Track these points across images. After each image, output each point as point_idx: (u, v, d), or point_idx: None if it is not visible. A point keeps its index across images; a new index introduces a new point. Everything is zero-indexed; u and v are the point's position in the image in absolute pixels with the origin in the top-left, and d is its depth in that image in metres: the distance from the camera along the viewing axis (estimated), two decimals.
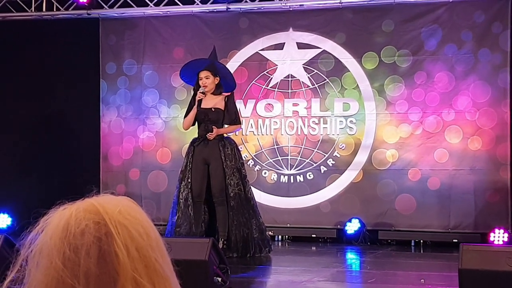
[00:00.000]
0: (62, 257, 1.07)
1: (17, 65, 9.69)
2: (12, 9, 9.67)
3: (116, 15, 9.48)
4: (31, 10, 9.60)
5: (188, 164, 7.31)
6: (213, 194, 7.22)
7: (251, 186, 7.57)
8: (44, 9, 9.59)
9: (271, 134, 9.00)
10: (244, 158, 8.30)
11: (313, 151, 8.85)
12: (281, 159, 8.95)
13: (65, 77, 9.50)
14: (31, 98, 9.63)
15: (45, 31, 9.60)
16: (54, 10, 9.58)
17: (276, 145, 8.97)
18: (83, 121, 9.51)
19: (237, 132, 8.24)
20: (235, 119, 7.40)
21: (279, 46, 8.98)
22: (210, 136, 7.21)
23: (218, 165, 7.21)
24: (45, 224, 1.12)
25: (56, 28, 9.57)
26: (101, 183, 9.35)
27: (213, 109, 7.26)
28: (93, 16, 9.48)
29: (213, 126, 7.22)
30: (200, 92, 7.25)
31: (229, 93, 7.42)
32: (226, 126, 7.41)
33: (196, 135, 7.44)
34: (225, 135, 7.44)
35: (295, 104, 8.94)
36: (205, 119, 7.27)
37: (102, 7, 9.43)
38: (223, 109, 7.30)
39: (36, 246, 1.10)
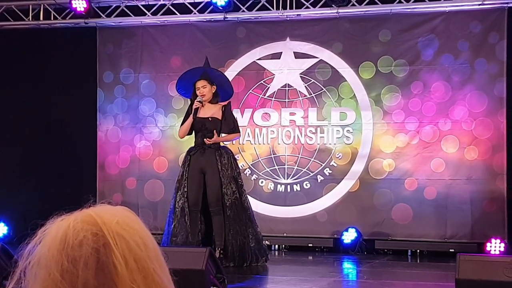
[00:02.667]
0: (60, 268, 1.07)
1: (14, 73, 9.69)
2: (10, 18, 9.68)
3: (113, 24, 9.49)
4: (29, 19, 9.61)
5: (184, 173, 7.30)
6: (209, 203, 7.21)
7: (248, 195, 7.57)
8: (41, 18, 9.59)
9: (268, 143, 9.01)
10: (240, 167, 8.31)
11: (310, 160, 8.85)
12: (278, 168, 8.95)
13: (62, 86, 9.51)
14: (28, 107, 9.62)
15: (42, 39, 9.61)
16: (52, 19, 9.58)
17: (273, 154, 8.97)
18: (80, 129, 9.51)
19: (234, 141, 8.26)
20: (234, 128, 7.40)
21: (276, 56, 9.00)
22: (208, 141, 7.19)
23: (215, 174, 7.20)
24: (43, 235, 1.12)
25: (54, 36, 9.58)
26: (98, 192, 9.33)
27: (210, 119, 7.26)
28: (90, 25, 9.49)
29: (214, 130, 7.21)
30: (197, 101, 7.25)
31: (225, 102, 7.42)
32: (224, 135, 7.41)
33: (193, 144, 7.43)
34: (221, 144, 7.44)
35: (292, 114, 8.95)
36: (202, 128, 7.26)
37: (99, 16, 9.44)
38: (220, 118, 7.30)
39: (34, 257, 1.10)
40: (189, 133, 7.40)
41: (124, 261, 1.07)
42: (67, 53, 9.49)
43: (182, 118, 7.57)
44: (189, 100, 7.60)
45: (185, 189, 7.25)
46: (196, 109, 7.25)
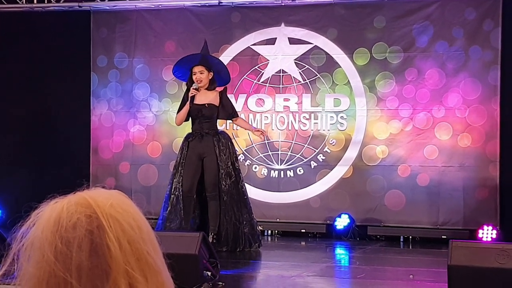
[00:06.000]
0: (54, 250, 1.07)
1: (7, 57, 9.65)
2: (3, 1, 9.62)
3: (107, 8, 9.45)
4: (22, 2, 9.56)
5: (182, 159, 7.31)
6: (206, 188, 7.23)
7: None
8: (35, 1, 9.54)
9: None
10: None
11: (304, 146, 8.86)
12: (272, 154, 8.95)
13: (56, 70, 9.47)
14: (21, 91, 9.59)
15: (36, 23, 9.56)
16: (45, 2, 9.53)
17: (267, 140, 8.98)
18: (73, 114, 9.48)
19: (228, 126, 8.30)
20: (233, 113, 7.44)
21: (271, 41, 8.98)
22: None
23: (212, 159, 7.21)
24: (37, 218, 1.12)
25: (47, 20, 9.53)
26: (91, 176, 9.33)
27: (206, 105, 7.26)
28: (84, 9, 9.45)
29: (211, 116, 7.24)
30: (193, 88, 7.24)
31: (221, 88, 7.42)
32: (220, 121, 7.47)
33: (190, 131, 7.44)
34: (219, 129, 7.51)
35: (286, 99, 8.95)
36: (199, 115, 7.27)
37: (93, 0, 9.39)
38: (217, 105, 7.31)
39: (27, 239, 1.10)
40: (186, 120, 7.42)
41: (118, 243, 1.07)
42: (61, 36, 9.44)
43: (176, 103, 7.60)
44: (184, 85, 7.59)
45: (181, 176, 7.26)
46: (193, 97, 7.25)
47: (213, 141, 7.24)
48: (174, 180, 7.30)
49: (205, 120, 7.24)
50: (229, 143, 7.35)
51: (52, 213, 1.11)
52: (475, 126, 8.32)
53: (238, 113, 7.72)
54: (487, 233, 8.02)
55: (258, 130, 7.74)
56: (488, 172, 8.26)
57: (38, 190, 8.33)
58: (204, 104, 7.25)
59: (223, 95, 7.34)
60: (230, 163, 7.24)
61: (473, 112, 8.32)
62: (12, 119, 9.64)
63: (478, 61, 8.33)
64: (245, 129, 7.99)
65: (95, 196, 1.12)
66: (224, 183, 7.18)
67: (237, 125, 7.85)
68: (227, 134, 7.51)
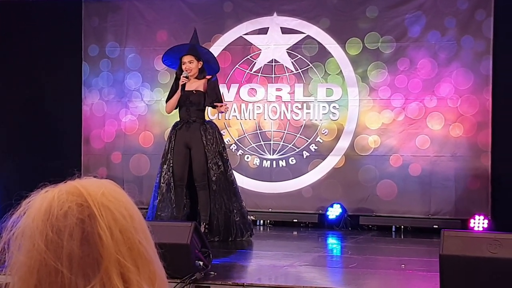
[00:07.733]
0: (45, 239, 1.06)
1: None
2: None
3: None
4: None
5: (170, 148, 7.29)
6: (195, 178, 7.21)
7: (233, 171, 7.57)
8: None
9: (254, 119, 9.00)
10: (226, 143, 8.31)
11: (296, 136, 8.86)
12: (264, 143, 8.95)
13: (47, 59, 9.42)
14: (12, 80, 9.54)
15: (27, 12, 9.50)
16: None
17: (259, 130, 8.97)
18: (64, 103, 9.45)
19: (220, 116, 8.25)
20: (216, 100, 7.35)
21: (263, 31, 8.96)
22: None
23: (200, 149, 7.20)
24: (27, 207, 1.11)
25: (39, 9, 9.47)
26: (83, 166, 9.30)
27: (194, 92, 7.24)
28: None
29: (198, 103, 7.18)
30: (183, 77, 7.22)
31: (211, 76, 7.39)
32: (213, 111, 7.41)
33: (178, 119, 7.42)
34: (207, 118, 7.44)
35: (278, 89, 8.94)
36: (186, 101, 7.25)
37: None
38: (204, 91, 7.28)
39: (18, 228, 1.09)
40: (176, 108, 7.39)
41: (109, 232, 1.07)
42: (52, 25, 9.39)
43: (168, 92, 7.54)
44: (174, 74, 7.57)
45: (171, 164, 7.24)
46: (184, 85, 7.23)
47: (200, 130, 7.22)
48: (163, 168, 7.29)
49: (192, 107, 7.22)
50: (216, 133, 7.32)
51: (43, 201, 1.10)
52: (467, 116, 8.34)
53: (225, 102, 7.59)
54: (479, 223, 8.05)
55: (222, 106, 7.39)
56: (480, 162, 8.28)
57: (29, 179, 8.29)
58: (192, 91, 7.24)
59: (209, 82, 7.31)
60: (217, 152, 7.22)
61: (465, 102, 8.33)
62: (3, 108, 9.59)
63: (470, 51, 8.34)
64: (220, 112, 7.65)
65: (87, 185, 1.11)
66: (212, 172, 7.17)
67: (217, 112, 7.70)
68: (214, 124, 7.48)
